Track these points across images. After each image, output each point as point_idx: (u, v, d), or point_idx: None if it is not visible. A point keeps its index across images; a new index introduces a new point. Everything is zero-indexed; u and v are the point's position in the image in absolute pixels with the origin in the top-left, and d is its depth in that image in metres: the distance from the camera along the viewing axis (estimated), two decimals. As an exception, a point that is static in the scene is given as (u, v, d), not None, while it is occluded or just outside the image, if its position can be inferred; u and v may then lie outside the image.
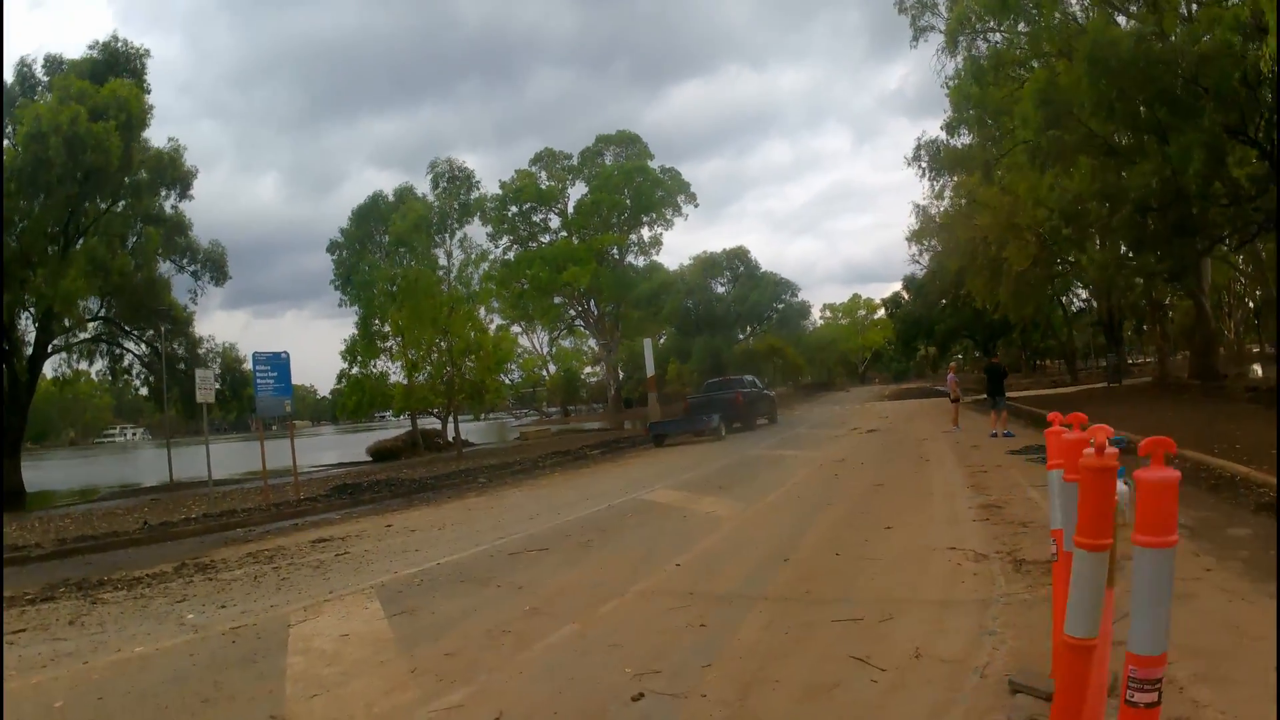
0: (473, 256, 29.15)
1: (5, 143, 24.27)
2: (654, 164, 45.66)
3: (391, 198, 32.99)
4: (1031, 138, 20.01)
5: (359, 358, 31.21)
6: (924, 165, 27.74)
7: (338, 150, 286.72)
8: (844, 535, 7.76)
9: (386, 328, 30.35)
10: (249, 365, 27.97)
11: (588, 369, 54.63)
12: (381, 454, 33.48)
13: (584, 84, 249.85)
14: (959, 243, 29.43)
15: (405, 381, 28.93)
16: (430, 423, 37.08)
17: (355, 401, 31.41)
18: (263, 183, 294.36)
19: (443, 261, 28.23)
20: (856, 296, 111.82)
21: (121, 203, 26.25)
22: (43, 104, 23.82)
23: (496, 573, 7.55)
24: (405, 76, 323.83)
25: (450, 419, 31.58)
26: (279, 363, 17.59)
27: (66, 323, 25.32)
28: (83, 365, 29.40)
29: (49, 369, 29.10)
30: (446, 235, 28.33)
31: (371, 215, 33.24)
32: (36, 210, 24.11)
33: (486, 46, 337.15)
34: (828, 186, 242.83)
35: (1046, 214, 24.12)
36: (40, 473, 45.02)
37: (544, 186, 44.69)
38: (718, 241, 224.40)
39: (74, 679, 5.36)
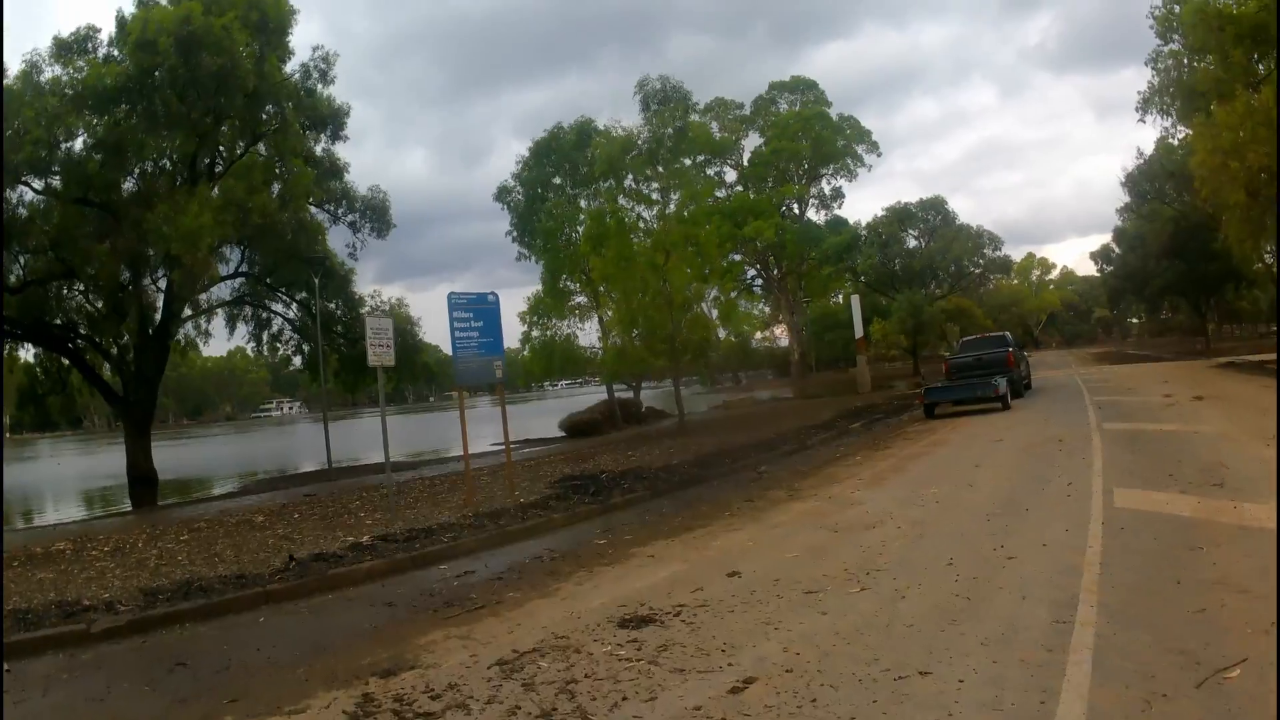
0: (698, 189, 23.41)
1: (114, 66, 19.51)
2: (831, 112, 41.27)
3: (570, 133, 27.79)
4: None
5: (545, 318, 26.77)
6: (1165, 97, 26.05)
7: (483, 123, 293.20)
8: None
9: (574, 284, 25.37)
10: (421, 331, 23.09)
11: (759, 334, 49.14)
12: (578, 429, 28.91)
13: (724, 48, 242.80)
14: (1237, 176, 23.15)
15: (604, 343, 24.19)
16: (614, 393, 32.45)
17: (543, 367, 27.41)
18: (411, 157, 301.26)
19: (655, 199, 22.95)
20: (1031, 255, 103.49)
21: (261, 142, 21.42)
22: (156, 6, 19.11)
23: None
24: (546, 47, 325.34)
25: (644, 387, 26.59)
26: (485, 308, 12.62)
27: (196, 278, 20.00)
28: (223, 332, 24.42)
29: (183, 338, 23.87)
30: (659, 166, 22.86)
31: (550, 153, 28.16)
32: (152, 140, 19.41)
33: (625, 12, 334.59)
34: (976, 144, 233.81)
35: None
36: (185, 452, 42.86)
37: (717, 138, 40.26)
38: (867, 205, 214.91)
39: None
